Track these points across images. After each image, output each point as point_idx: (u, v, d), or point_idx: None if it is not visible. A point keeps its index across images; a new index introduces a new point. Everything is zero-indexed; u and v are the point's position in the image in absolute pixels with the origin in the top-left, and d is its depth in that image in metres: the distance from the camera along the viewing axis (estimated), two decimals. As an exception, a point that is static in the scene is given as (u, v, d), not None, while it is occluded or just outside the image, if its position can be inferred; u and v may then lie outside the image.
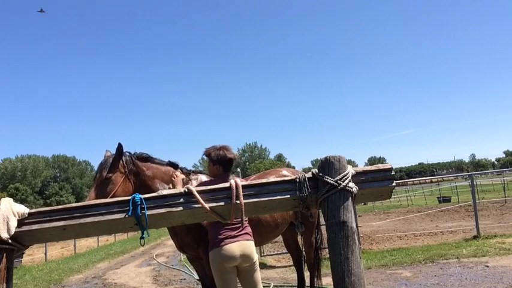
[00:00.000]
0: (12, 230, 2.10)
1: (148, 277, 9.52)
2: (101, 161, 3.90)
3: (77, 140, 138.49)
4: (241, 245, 3.26)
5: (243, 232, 3.29)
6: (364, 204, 28.19)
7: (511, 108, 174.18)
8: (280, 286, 6.95)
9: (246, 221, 3.33)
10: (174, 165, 4.24)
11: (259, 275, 3.46)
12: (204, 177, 4.38)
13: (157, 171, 4.06)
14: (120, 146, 3.90)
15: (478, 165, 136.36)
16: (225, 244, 3.25)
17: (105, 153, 4.06)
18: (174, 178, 3.69)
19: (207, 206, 2.18)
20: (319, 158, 2.33)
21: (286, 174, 4.57)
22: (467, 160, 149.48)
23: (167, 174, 4.11)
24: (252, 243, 3.37)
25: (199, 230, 4.01)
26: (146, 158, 4.10)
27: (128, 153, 3.99)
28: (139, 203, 2.17)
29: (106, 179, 3.71)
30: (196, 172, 4.44)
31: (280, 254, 10.42)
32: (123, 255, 15.31)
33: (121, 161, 3.87)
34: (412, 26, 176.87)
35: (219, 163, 3.51)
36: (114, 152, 4.00)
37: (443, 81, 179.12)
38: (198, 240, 4.06)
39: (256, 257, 3.40)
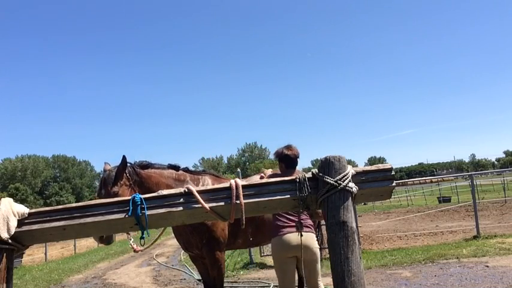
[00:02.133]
0: (12, 230, 2.10)
1: (148, 277, 9.52)
2: (103, 176, 3.88)
3: (77, 140, 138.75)
4: (299, 236, 3.36)
5: (302, 224, 3.48)
6: (364, 204, 28.18)
7: (511, 108, 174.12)
8: (280, 286, 6.94)
9: (306, 215, 3.58)
10: (175, 168, 4.24)
11: (319, 265, 3.69)
12: (208, 178, 4.38)
13: (161, 177, 4.06)
14: (124, 159, 3.88)
15: (478, 165, 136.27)
16: (284, 234, 3.52)
17: (104, 167, 4.04)
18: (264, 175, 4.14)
19: (207, 206, 2.18)
20: (319, 158, 2.33)
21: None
22: (467, 160, 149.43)
23: (171, 177, 4.12)
24: (310, 235, 3.59)
25: (204, 230, 4.03)
26: (147, 166, 4.08)
27: (129, 164, 3.98)
28: (139, 203, 2.17)
29: (113, 193, 3.68)
30: (200, 172, 4.45)
31: (280, 254, 10.41)
32: (123, 255, 15.31)
33: (125, 174, 3.85)
34: (412, 26, 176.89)
35: (281, 160, 3.81)
36: (112, 164, 4.00)
37: (443, 81, 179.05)
38: (202, 239, 4.07)
39: (316, 247, 3.62)
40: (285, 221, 3.56)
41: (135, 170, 3.95)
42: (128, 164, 3.97)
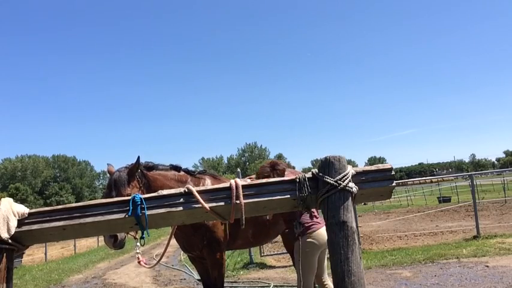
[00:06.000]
0: (12, 230, 2.10)
1: (148, 277, 9.51)
2: (112, 177, 3.80)
3: (77, 140, 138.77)
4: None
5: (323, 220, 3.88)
6: (364, 204, 28.17)
7: (511, 108, 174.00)
8: (280, 286, 6.95)
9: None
10: (177, 168, 4.24)
11: None
12: (208, 179, 4.38)
13: (165, 179, 4.06)
14: (138, 159, 3.85)
15: (478, 165, 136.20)
16: (316, 230, 3.80)
17: (108, 168, 4.00)
18: None
19: (207, 206, 2.18)
20: (319, 158, 2.33)
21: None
22: (467, 160, 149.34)
23: (173, 179, 4.12)
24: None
25: (205, 231, 4.02)
26: (152, 167, 4.08)
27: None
28: (139, 203, 2.17)
29: (128, 195, 3.65)
30: (200, 173, 4.44)
31: (280, 254, 10.41)
32: (123, 255, 15.29)
33: (137, 176, 3.83)
34: (411, 26, 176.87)
35: None
36: (115, 165, 3.97)
37: (443, 81, 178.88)
38: (203, 240, 4.07)
39: None
40: (313, 219, 3.82)
41: (142, 172, 3.94)
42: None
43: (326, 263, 4.03)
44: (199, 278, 4.72)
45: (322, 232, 3.79)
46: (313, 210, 3.71)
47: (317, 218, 3.84)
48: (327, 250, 3.95)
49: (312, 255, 3.80)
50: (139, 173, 3.90)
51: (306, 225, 3.78)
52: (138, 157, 3.85)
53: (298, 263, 3.85)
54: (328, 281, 4.06)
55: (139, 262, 3.65)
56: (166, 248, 4.15)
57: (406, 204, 28.33)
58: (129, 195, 3.56)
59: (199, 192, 2.22)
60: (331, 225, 2.12)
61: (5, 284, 2.08)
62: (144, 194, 3.69)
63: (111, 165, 4.03)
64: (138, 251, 3.58)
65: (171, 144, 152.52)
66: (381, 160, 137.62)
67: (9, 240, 2.09)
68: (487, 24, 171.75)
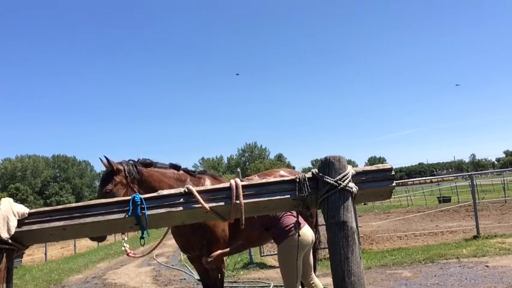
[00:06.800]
0: (12, 230, 2.10)
1: (148, 277, 9.52)
2: (102, 175, 3.98)
3: (77, 140, 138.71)
4: (311, 230, 3.89)
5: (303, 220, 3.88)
6: (364, 204, 28.17)
7: (511, 108, 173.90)
8: (280, 286, 6.95)
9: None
10: (177, 167, 4.25)
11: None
12: (207, 179, 4.38)
13: (163, 176, 4.07)
14: (107, 160, 3.92)
15: (478, 165, 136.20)
16: (300, 229, 3.73)
17: (103, 163, 4.08)
18: None
19: (207, 206, 2.18)
20: (319, 158, 2.33)
21: (284, 174, 4.59)
22: (467, 160, 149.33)
23: (172, 177, 4.12)
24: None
25: (204, 230, 4.02)
26: (149, 164, 4.09)
27: (131, 162, 3.99)
28: (139, 203, 2.17)
29: (106, 192, 3.70)
30: (200, 173, 4.44)
31: (280, 254, 10.38)
32: (123, 255, 15.29)
33: (123, 172, 3.87)
34: (411, 26, 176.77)
35: None
36: (106, 159, 4.06)
37: (443, 81, 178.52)
38: (202, 240, 4.07)
39: None
40: (295, 219, 3.69)
41: (136, 168, 3.96)
42: (131, 162, 3.99)
43: (312, 261, 4.01)
44: (199, 278, 4.71)
45: (304, 232, 3.72)
46: (293, 211, 3.64)
47: (296, 218, 3.80)
48: (311, 249, 3.89)
49: (297, 253, 3.70)
50: (132, 169, 3.92)
51: (287, 227, 3.68)
52: (104, 157, 3.91)
53: (284, 267, 3.73)
54: (315, 279, 4.01)
55: (127, 254, 3.65)
56: (160, 241, 4.09)
57: (406, 204, 28.34)
58: (109, 191, 3.67)
59: (199, 192, 2.22)
60: (331, 225, 2.12)
61: (5, 284, 2.08)
62: (134, 189, 3.78)
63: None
64: (125, 244, 3.60)
65: (171, 144, 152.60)
66: (381, 160, 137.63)
67: (9, 240, 2.08)
68: (487, 25, 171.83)
